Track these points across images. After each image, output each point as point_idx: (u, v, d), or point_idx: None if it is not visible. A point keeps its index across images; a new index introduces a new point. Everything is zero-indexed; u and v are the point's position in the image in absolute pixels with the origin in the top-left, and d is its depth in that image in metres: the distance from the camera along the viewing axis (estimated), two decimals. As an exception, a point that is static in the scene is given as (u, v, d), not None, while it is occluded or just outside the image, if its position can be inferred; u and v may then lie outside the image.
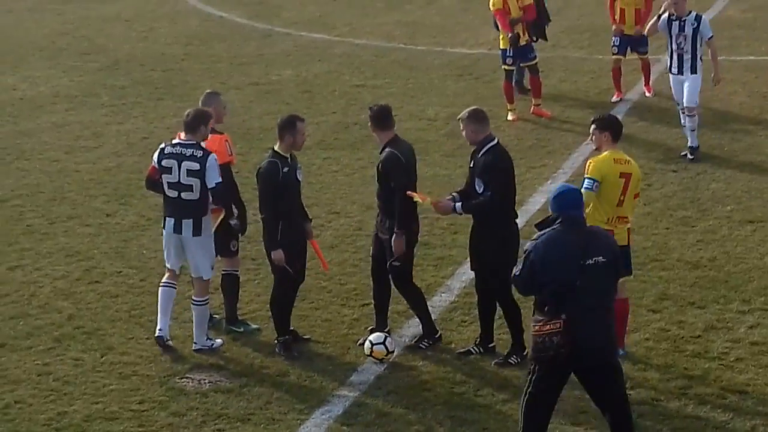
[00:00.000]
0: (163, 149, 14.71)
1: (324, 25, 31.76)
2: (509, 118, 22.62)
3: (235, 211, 15.46)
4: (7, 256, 18.07)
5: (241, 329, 15.66)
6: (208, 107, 15.42)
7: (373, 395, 13.97)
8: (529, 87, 24.19)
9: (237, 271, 15.81)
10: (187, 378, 14.46)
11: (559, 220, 11.71)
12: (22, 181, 21.37)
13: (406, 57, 28.40)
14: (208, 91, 16.27)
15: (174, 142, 14.73)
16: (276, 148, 14.96)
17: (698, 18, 21.31)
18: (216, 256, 15.41)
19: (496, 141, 14.65)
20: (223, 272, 15.74)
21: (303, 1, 35.07)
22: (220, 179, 14.51)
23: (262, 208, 14.97)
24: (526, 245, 11.86)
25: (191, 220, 14.61)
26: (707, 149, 21.91)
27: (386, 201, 14.93)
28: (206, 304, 15.10)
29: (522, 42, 23.12)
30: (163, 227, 14.94)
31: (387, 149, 14.88)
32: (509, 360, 14.50)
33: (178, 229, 14.68)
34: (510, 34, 23.03)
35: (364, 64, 27.94)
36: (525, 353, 14.32)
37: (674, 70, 21.59)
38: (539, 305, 11.77)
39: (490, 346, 14.86)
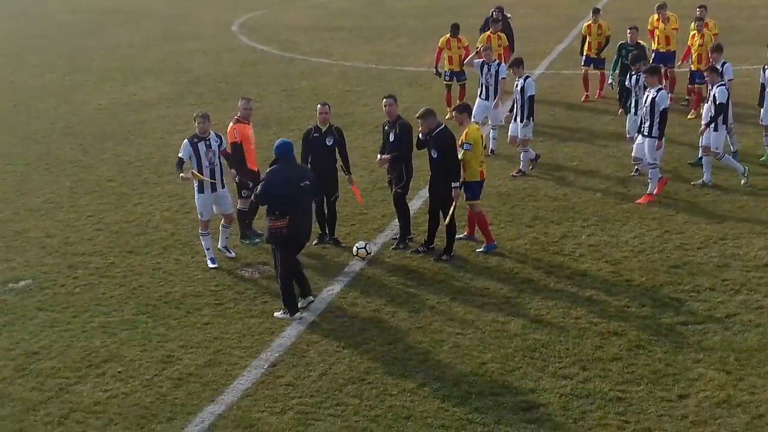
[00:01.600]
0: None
1: (326, 54, 31.65)
2: (446, 117, 22.22)
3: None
4: (132, 197, 18.17)
5: (247, 241, 15.60)
6: (246, 107, 15.60)
7: (357, 281, 14.13)
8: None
9: (245, 207, 15.51)
10: (244, 270, 14.61)
11: (279, 161, 12.90)
12: (141, 150, 21.39)
13: (377, 73, 28.37)
14: (243, 97, 16.12)
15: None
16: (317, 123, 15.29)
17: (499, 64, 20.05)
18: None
19: (443, 126, 14.64)
20: (238, 208, 15.64)
21: (313, 38, 34.86)
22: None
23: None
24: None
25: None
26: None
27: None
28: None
29: (456, 69, 22.03)
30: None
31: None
32: (442, 257, 14.62)
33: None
34: (435, 69, 22.38)
35: (351, 78, 27.91)
36: (452, 253, 14.52)
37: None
38: (270, 210, 12.81)
39: (431, 247, 14.91)
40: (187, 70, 29.93)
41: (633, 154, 17.35)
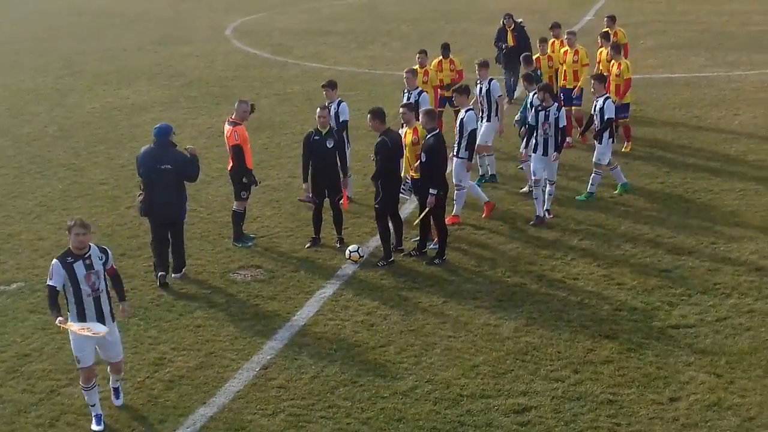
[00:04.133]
0: None
1: (319, 58, 31.68)
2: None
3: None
4: (125, 201, 18.12)
5: (240, 244, 15.50)
6: (244, 110, 15.46)
7: (350, 284, 14.13)
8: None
9: (241, 210, 15.54)
10: (236, 273, 14.60)
11: (153, 142, 13.97)
12: (134, 154, 20.81)
13: (370, 78, 28.40)
14: (240, 99, 16.06)
15: None
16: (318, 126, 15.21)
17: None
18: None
19: (437, 131, 14.63)
20: (233, 210, 15.67)
21: (306, 43, 34.88)
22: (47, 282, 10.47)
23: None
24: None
25: None
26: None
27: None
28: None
29: (448, 94, 19.73)
30: None
31: (382, 137, 14.61)
32: (434, 261, 14.62)
33: None
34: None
35: (345, 82, 27.90)
36: (444, 258, 14.52)
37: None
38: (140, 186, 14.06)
39: (423, 251, 14.90)
40: (180, 74, 29.92)
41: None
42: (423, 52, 20.28)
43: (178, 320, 13.00)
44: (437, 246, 14.76)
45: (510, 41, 23.56)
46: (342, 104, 17.02)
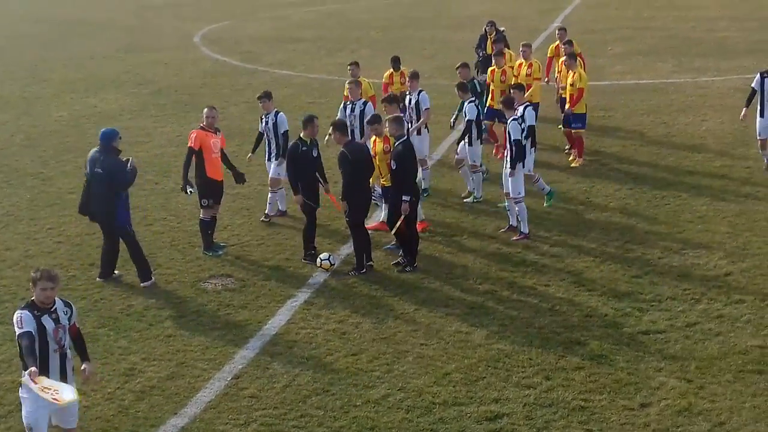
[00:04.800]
0: None
1: (289, 65, 31.65)
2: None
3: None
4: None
5: (210, 253, 15.45)
6: (209, 116, 15.47)
7: (321, 292, 14.12)
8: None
9: (207, 218, 15.49)
10: (207, 282, 14.55)
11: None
12: (101, 163, 21.20)
13: (340, 85, 28.35)
14: (208, 105, 16.01)
15: None
16: (301, 135, 15.04)
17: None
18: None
19: (406, 138, 14.88)
20: (200, 218, 15.64)
21: (275, 50, 34.89)
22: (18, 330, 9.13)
23: (287, 172, 15.06)
24: None
25: None
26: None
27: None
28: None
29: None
30: None
31: (342, 149, 14.66)
32: (405, 269, 14.64)
33: None
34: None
35: (314, 90, 27.97)
36: (415, 265, 14.55)
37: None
38: None
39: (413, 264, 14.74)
40: (149, 82, 29.81)
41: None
42: (355, 64, 20.14)
43: (149, 330, 12.94)
44: (395, 247, 14.85)
45: (489, 48, 23.63)
46: (279, 114, 16.95)
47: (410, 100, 18.01)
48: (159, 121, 24.97)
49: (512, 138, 15.59)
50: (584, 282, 13.93)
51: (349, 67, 20.15)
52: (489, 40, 23.92)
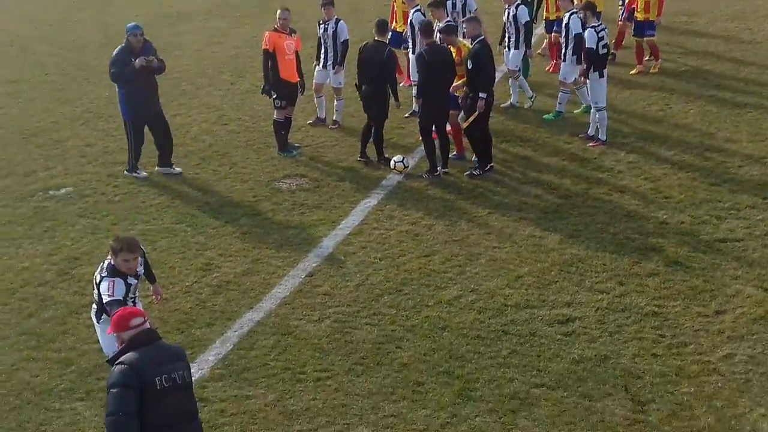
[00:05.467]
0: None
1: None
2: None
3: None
4: (171, 108, 18.10)
5: (285, 153, 15.51)
6: (282, 17, 15.29)
7: (395, 194, 14.14)
8: None
9: (281, 119, 15.48)
10: (281, 182, 14.66)
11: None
12: (178, 62, 21.34)
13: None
14: (281, 7, 15.78)
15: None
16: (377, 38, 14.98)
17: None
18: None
19: (483, 37, 14.43)
20: (273, 119, 15.64)
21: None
22: (110, 299, 8.60)
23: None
24: None
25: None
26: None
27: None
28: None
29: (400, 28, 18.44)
30: None
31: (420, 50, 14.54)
32: (474, 172, 14.52)
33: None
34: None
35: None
36: (487, 168, 14.44)
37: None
38: None
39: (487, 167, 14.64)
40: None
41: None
42: None
43: (224, 227, 13.12)
44: (457, 157, 14.73)
45: None
46: (340, 23, 16.53)
47: (454, 3, 17.47)
48: (234, 22, 24.94)
49: (586, 45, 15.26)
50: (661, 189, 13.74)
51: None
52: None
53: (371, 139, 15.09)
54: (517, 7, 16.90)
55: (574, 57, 16.13)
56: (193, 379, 9.17)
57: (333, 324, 10.63)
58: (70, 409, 9.30)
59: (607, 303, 10.80)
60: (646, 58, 19.22)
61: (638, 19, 18.83)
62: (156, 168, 15.02)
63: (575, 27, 15.93)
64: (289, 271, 11.84)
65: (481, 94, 14.09)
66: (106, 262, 8.69)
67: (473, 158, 14.75)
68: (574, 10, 16.10)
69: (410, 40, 17.17)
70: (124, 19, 25.29)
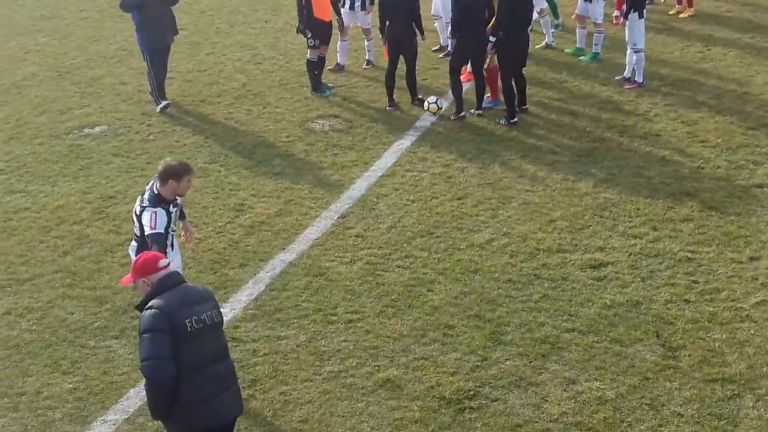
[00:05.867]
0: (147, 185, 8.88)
1: None
2: None
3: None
4: (204, 47, 18.19)
5: (318, 93, 15.42)
6: None
7: (427, 135, 14.07)
8: None
9: (314, 58, 15.35)
10: (314, 122, 14.62)
11: None
12: (213, 0, 21.25)
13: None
14: None
15: (151, 181, 8.78)
16: None
17: None
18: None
19: None
20: (306, 59, 15.52)
21: None
22: (152, 231, 8.47)
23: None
24: None
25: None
26: None
27: None
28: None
29: None
30: None
31: None
32: (500, 121, 14.26)
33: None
34: None
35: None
36: (514, 119, 14.20)
37: None
38: None
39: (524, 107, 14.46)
40: None
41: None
42: None
43: (258, 167, 13.14)
44: (491, 103, 14.61)
45: None
46: None
47: None
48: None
49: None
50: (698, 133, 13.56)
51: None
52: None
53: (401, 84, 14.91)
54: None
55: None
56: (225, 319, 9.30)
57: (365, 266, 10.65)
58: (105, 346, 9.43)
59: (640, 248, 10.74)
60: (678, 5, 18.80)
61: None
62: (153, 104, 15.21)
63: None
64: (321, 213, 11.86)
65: (490, 38, 13.86)
66: (147, 192, 8.53)
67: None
68: None
69: None
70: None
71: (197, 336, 6.58)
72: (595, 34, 16.46)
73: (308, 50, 15.44)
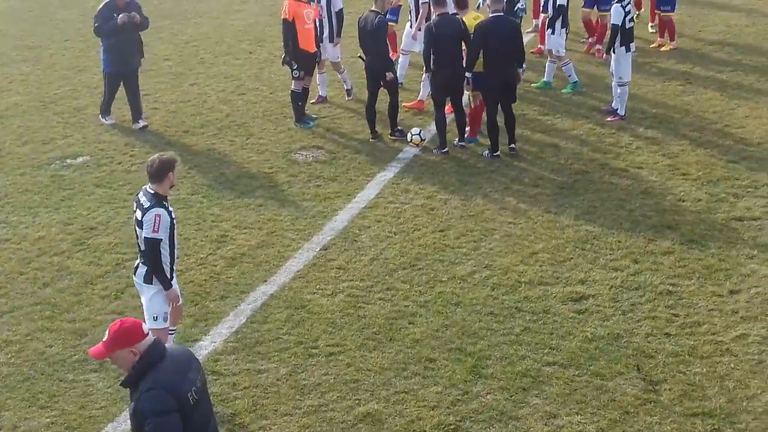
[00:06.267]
0: (138, 192, 8.97)
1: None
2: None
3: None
4: (188, 78, 18.19)
5: (301, 125, 15.45)
6: None
7: (410, 167, 14.09)
8: None
9: (299, 89, 15.40)
10: (298, 153, 14.63)
11: None
12: (197, 30, 21.35)
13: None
14: None
15: (144, 187, 8.82)
16: (373, 8, 14.61)
17: None
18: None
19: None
20: (291, 90, 15.58)
21: None
22: (152, 235, 8.54)
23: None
24: None
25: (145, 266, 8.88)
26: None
27: None
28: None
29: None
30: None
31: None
32: (483, 153, 14.31)
33: (135, 270, 9.05)
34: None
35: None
36: (497, 152, 14.21)
37: None
38: None
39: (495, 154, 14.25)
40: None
41: None
42: None
43: (240, 199, 13.12)
44: (469, 139, 14.62)
45: None
46: None
47: None
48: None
49: (612, 21, 14.99)
50: (679, 165, 13.63)
51: None
52: None
53: (385, 115, 14.95)
54: None
55: (563, 29, 16.30)
56: (205, 352, 9.28)
57: (346, 298, 10.63)
58: (83, 380, 9.35)
59: (621, 281, 10.75)
60: (660, 38, 18.94)
61: None
62: (132, 125, 15.68)
63: None
64: (303, 244, 11.84)
65: (466, 74, 13.89)
66: (144, 197, 8.58)
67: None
68: None
69: (412, 12, 16.67)
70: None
71: (197, 405, 6.09)
72: (549, 64, 16.68)
73: (293, 81, 15.47)
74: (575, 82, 16.69)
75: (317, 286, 10.88)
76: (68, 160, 14.56)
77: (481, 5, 17.53)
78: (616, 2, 15.02)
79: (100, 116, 15.90)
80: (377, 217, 12.49)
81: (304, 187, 13.45)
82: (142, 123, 15.58)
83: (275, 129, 15.52)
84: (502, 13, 14.03)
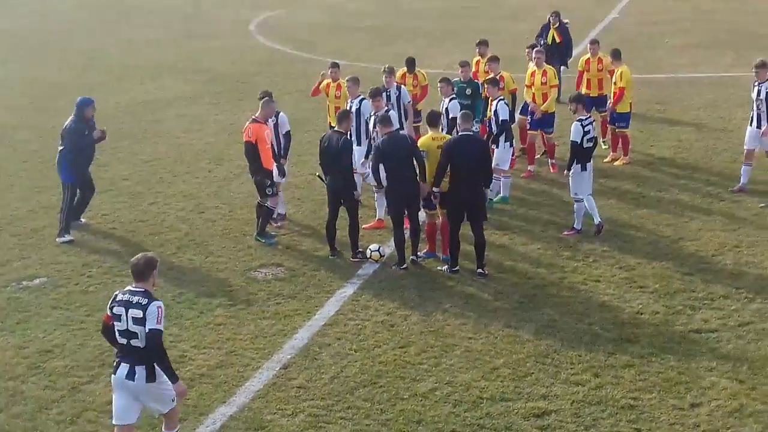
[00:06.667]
0: (115, 296, 9.39)
1: (343, 55, 31.54)
2: None
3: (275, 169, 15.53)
4: (147, 197, 18.20)
5: (264, 239, 15.53)
6: (265, 108, 15.56)
7: (370, 284, 14.12)
8: None
9: (267, 203, 15.53)
10: (257, 271, 14.63)
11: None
12: (156, 149, 21.47)
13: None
14: (265, 98, 15.98)
15: (126, 289, 9.36)
16: (336, 128, 14.96)
17: None
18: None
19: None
20: (258, 202, 15.71)
21: (330, 39, 34.89)
22: (157, 327, 9.08)
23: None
24: None
25: (144, 366, 9.23)
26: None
27: None
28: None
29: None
30: (114, 374, 9.48)
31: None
32: (442, 269, 14.41)
33: (131, 375, 9.26)
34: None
35: (365, 79, 27.79)
36: (456, 268, 14.29)
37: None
38: None
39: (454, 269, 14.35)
40: (205, 69, 29.99)
41: None
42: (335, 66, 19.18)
43: (199, 318, 13.05)
44: (427, 254, 14.74)
45: (550, 38, 23.42)
46: (281, 115, 16.38)
47: (389, 95, 17.75)
48: (213, 108, 25.15)
49: (571, 138, 15.29)
50: (635, 278, 13.80)
51: (330, 70, 19.14)
52: (552, 29, 23.63)
53: (339, 233, 15.04)
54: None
55: (507, 143, 16.73)
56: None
57: (307, 418, 10.52)
58: None
59: (582, 395, 10.76)
60: (613, 153, 19.34)
61: (590, 95, 19.16)
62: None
63: (503, 113, 16.58)
64: (263, 364, 11.75)
65: (434, 189, 14.12)
66: (137, 297, 9.16)
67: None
68: (501, 97, 16.83)
69: (353, 131, 16.59)
70: (104, 105, 25.47)
71: None
72: (502, 180, 16.96)
73: (269, 199, 15.54)
74: (506, 197, 17.02)
75: (277, 406, 10.77)
76: (24, 282, 14.42)
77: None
78: (576, 120, 15.37)
79: (57, 237, 15.92)
80: (337, 334, 12.46)
81: (263, 305, 13.41)
82: (83, 220, 16.56)
83: (234, 247, 15.53)
84: (471, 133, 14.30)
